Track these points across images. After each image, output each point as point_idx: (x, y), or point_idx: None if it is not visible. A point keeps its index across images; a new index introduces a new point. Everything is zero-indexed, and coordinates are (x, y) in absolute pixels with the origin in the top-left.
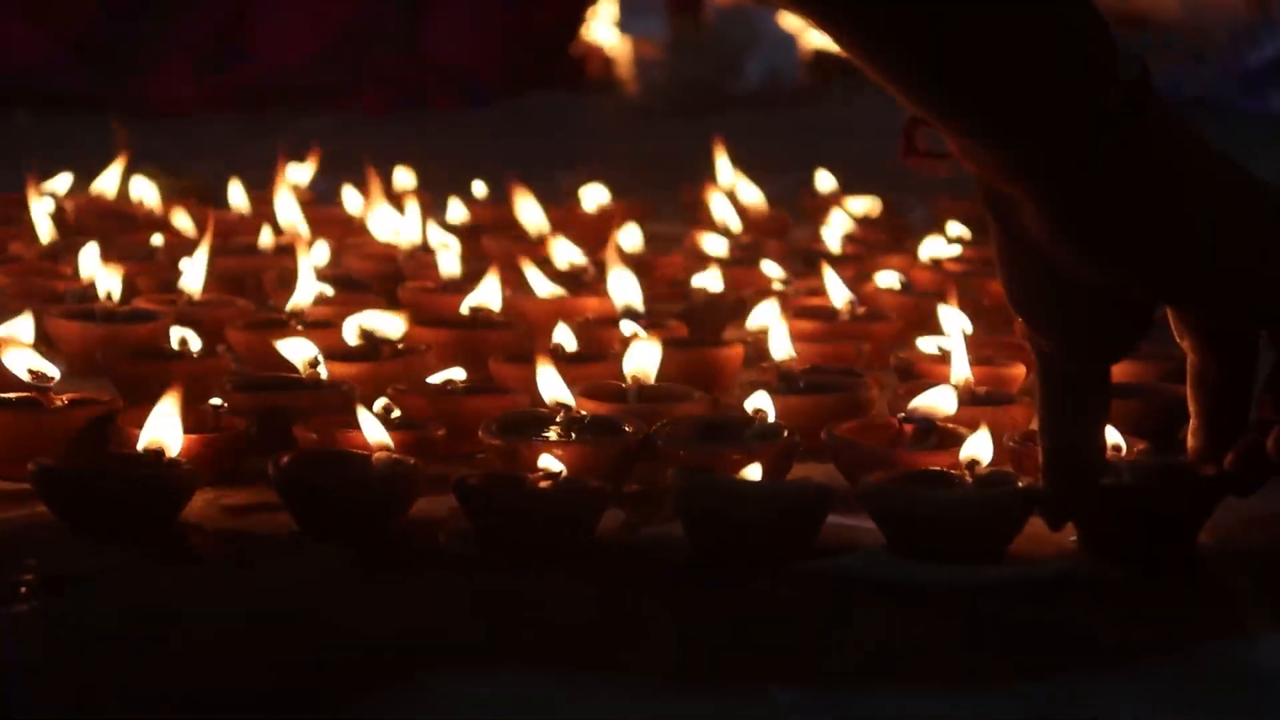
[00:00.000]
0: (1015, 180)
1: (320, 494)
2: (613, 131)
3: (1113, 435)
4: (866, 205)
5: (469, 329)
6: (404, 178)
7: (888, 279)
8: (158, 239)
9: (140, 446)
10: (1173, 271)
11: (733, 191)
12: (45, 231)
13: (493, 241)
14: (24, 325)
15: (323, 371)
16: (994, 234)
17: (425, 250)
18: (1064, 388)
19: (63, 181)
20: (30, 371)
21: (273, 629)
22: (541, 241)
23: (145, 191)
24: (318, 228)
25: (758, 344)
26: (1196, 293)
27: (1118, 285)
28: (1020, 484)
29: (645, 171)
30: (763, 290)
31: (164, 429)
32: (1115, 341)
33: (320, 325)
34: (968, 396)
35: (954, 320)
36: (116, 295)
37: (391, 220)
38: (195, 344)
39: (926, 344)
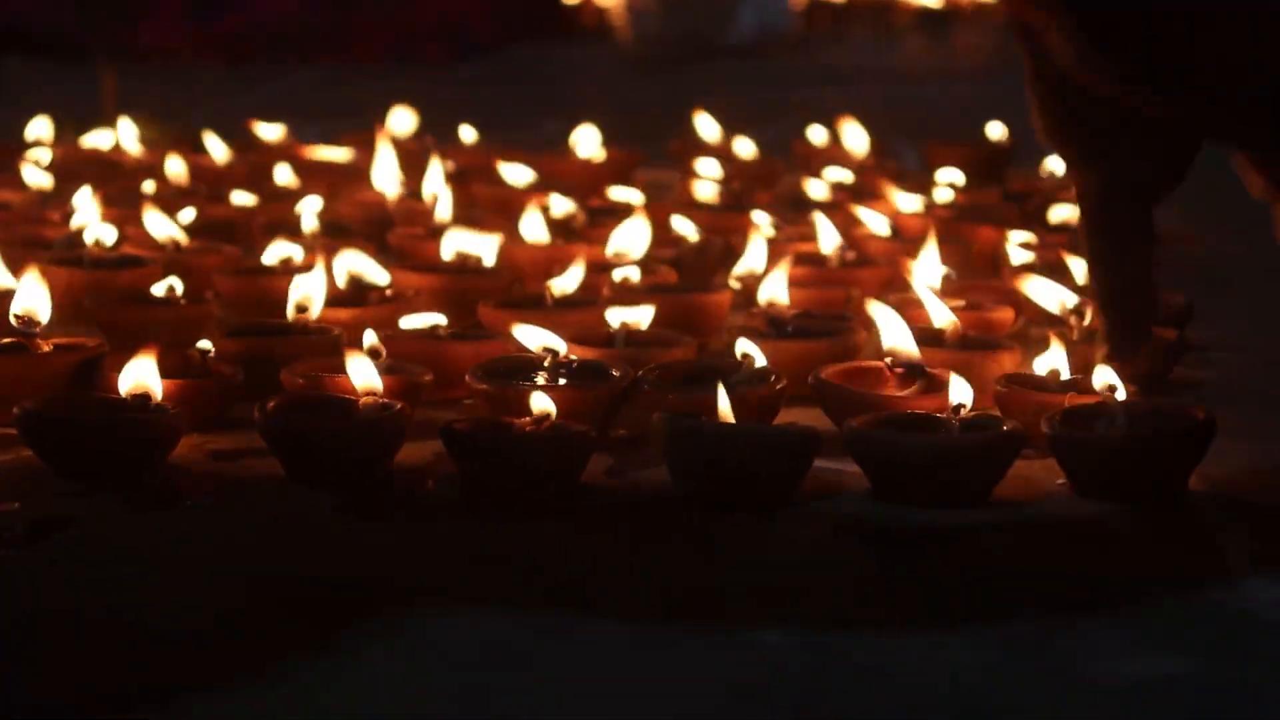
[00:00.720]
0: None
1: (306, 440)
2: (605, 81)
3: (1108, 376)
4: (859, 150)
5: (457, 274)
6: (402, 121)
7: (874, 220)
8: (149, 185)
9: (125, 391)
10: (1189, 73)
11: (721, 144)
12: (34, 178)
13: (483, 188)
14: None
15: (313, 314)
16: (1026, 69)
17: (415, 196)
18: (1107, 231)
19: (46, 129)
20: (17, 316)
21: (252, 571)
22: (531, 190)
23: (133, 138)
24: (309, 176)
25: (747, 289)
26: (1216, 105)
27: (1145, 100)
28: (1006, 427)
29: (636, 121)
30: (752, 233)
31: (147, 374)
32: (1152, 176)
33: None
34: (956, 341)
35: (929, 268)
36: (107, 242)
37: (390, 171)
38: (181, 291)
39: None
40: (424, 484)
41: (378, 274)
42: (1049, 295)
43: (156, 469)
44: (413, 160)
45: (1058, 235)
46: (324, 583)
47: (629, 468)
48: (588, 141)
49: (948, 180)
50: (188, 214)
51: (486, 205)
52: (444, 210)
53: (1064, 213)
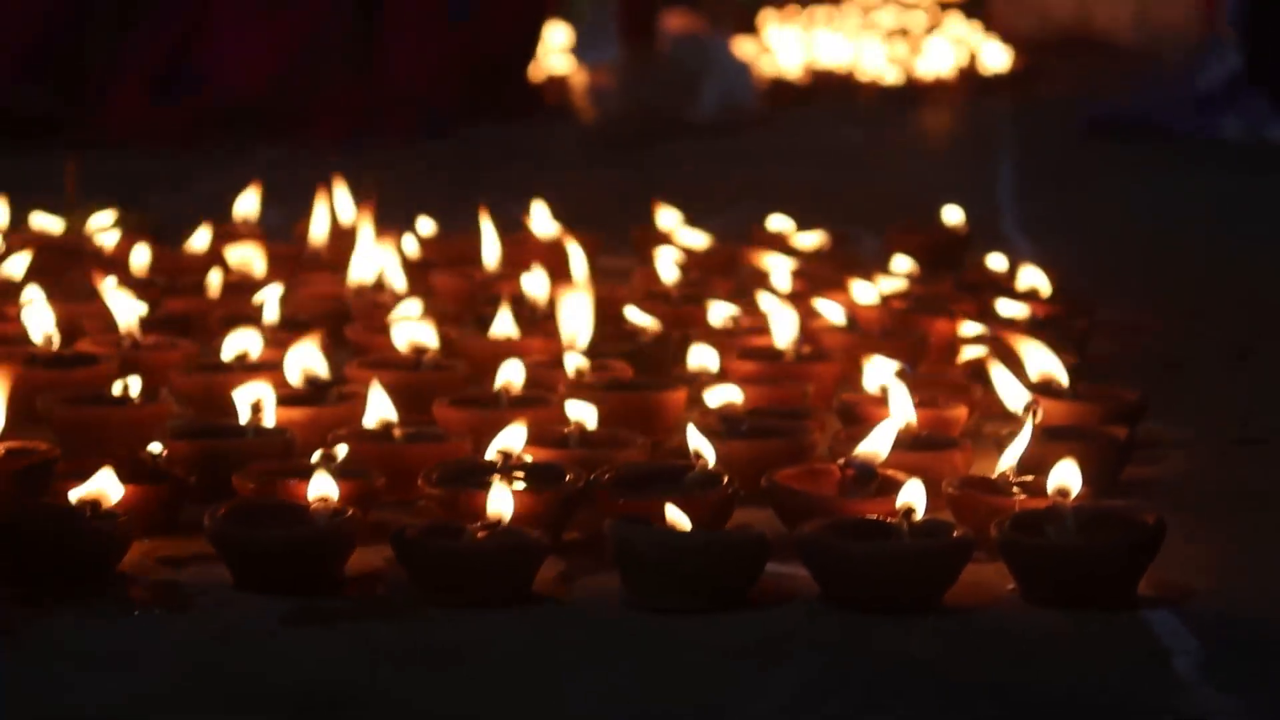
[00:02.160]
0: None
1: (254, 547)
2: (568, 160)
3: (1065, 476)
4: (816, 239)
5: (413, 370)
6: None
7: (831, 311)
8: (109, 279)
9: (76, 498)
10: None
11: (675, 236)
12: None
13: (442, 277)
14: None
15: (267, 417)
16: None
17: (374, 289)
18: None
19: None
20: None
21: (199, 681)
22: (494, 279)
23: (94, 228)
24: (270, 263)
25: (702, 385)
26: None
27: None
28: (956, 533)
29: (599, 202)
30: (708, 330)
31: (104, 482)
32: None
33: (266, 368)
34: (909, 440)
35: (887, 368)
36: (57, 339)
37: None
38: (136, 390)
39: (871, 381)
40: (375, 589)
41: (331, 371)
42: (1007, 391)
43: (106, 576)
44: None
45: (1011, 328)
46: (268, 692)
47: (581, 573)
48: (548, 225)
49: (903, 269)
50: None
51: (446, 296)
52: (405, 306)
53: (1014, 308)
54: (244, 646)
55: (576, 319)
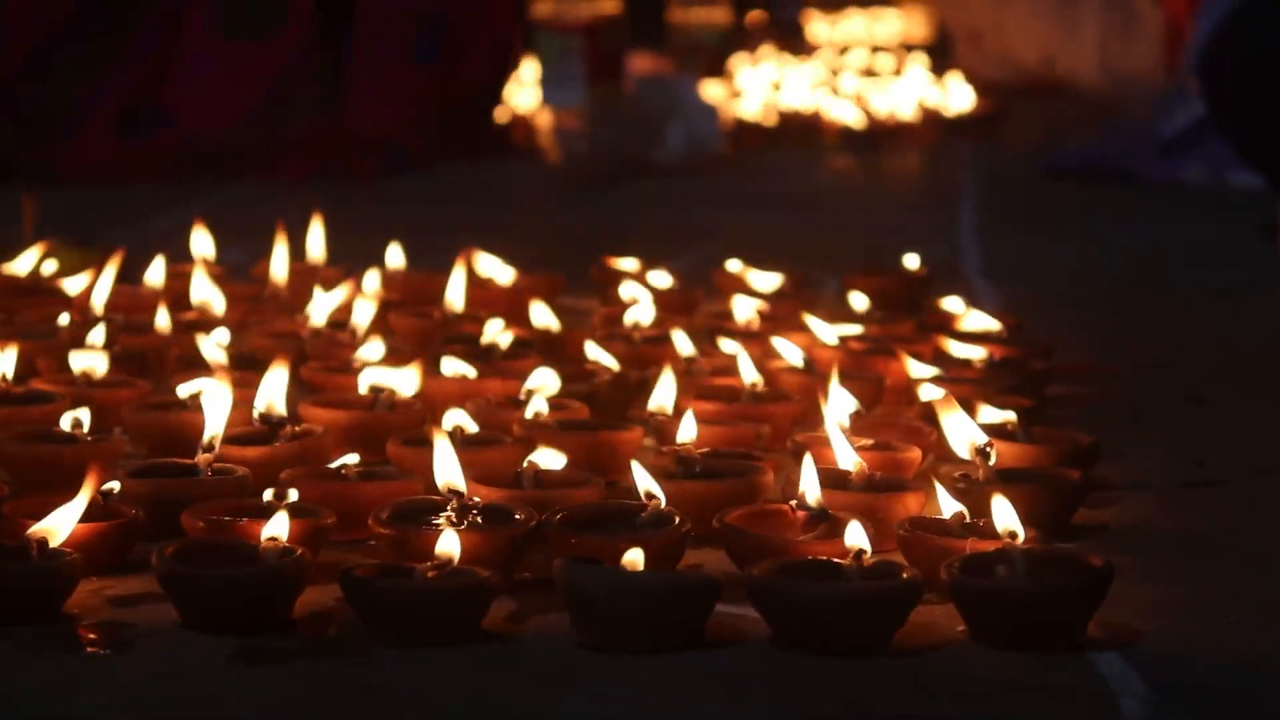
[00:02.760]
0: None
1: (202, 586)
2: (533, 201)
3: (1009, 519)
4: (775, 281)
5: (368, 410)
6: (315, 249)
7: (789, 351)
8: (63, 318)
9: (27, 534)
10: None
11: (640, 272)
12: None
13: (401, 318)
14: None
15: (214, 454)
16: None
17: (330, 327)
18: None
19: None
20: None
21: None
22: (452, 319)
23: (50, 265)
24: (228, 302)
25: (658, 425)
26: None
27: None
28: (906, 575)
29: (563, 242)
30: (665, 367)
31: (56, 519)
32: None
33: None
34: (862, 482)
35: (839, 406)
36: (10, 375)
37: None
38: (88, 426)
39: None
40: (325, 629)
41: (286, 409)
42: (959, 435)
43: (54, 614)
44: (328, 286)
45: (967, 371)
46: None
47: (532, 612)
48: (489, 264)
49: (862, 311)
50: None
51: (404, 335)
52: (365, 349)
53: (971, 351)
54: (193, 686)
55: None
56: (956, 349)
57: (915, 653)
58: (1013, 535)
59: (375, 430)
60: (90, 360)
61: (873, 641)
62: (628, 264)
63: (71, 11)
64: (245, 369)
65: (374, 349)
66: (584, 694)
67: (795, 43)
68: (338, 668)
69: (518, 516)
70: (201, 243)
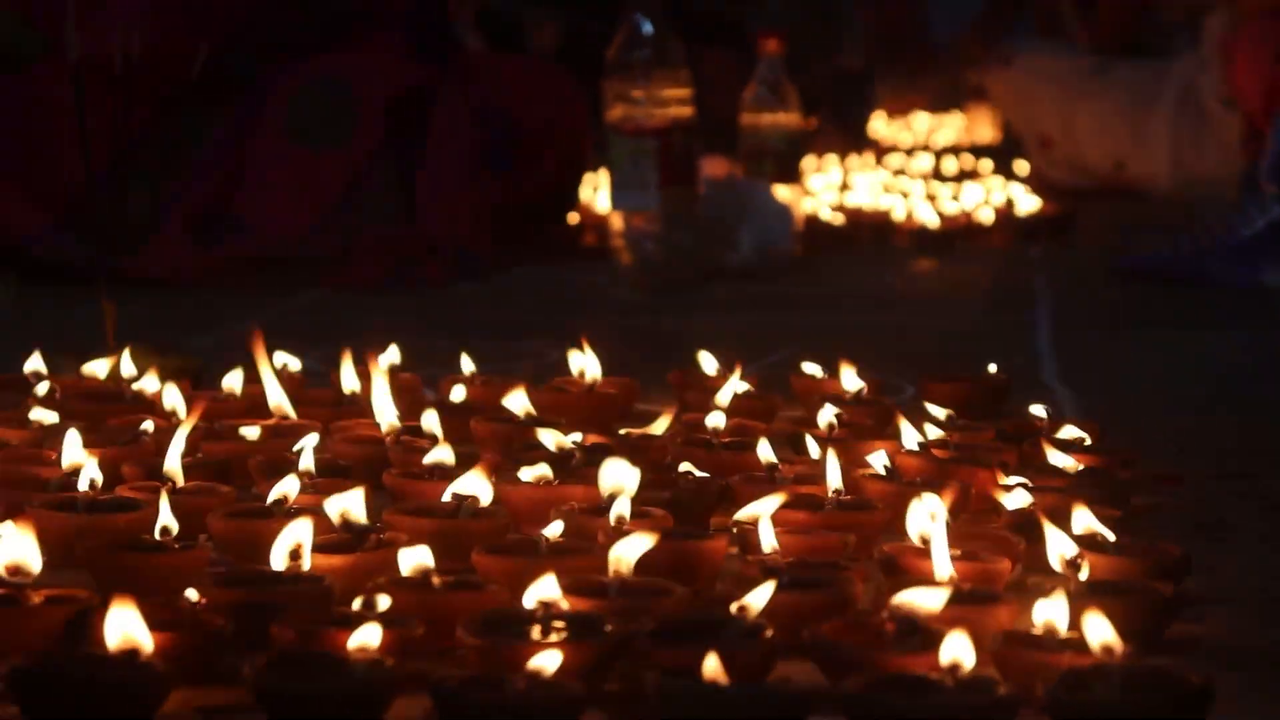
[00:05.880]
0: None
1: (296, 699)
2: (606, 304)
3: (1105, 634)
4: (855, 386)
5: (451, 518)
6: (392, 355)
7: (876, 460)
8: (147, 425)
9: (113, 647)
10: None
11: (719, 379)
12: (36, 415)
13: (481, 424)
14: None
15: (305, 563)
16: None
17: (411, 434)
18: None
19: (44, 362)
20: (7, 567)
21: None
22: (530, 425)
23: (134, 372)
24: (307, 409)
25: (743, 535)
26: None
27: None
28: (1002, 690)
29: (637, 346)
30: (749, 477)
31: (132, 627)
32: None
33: (302, 513)
34: (952, 594)
35: (928, 516)
36: (99, 483)
37: (387, 406)
38: (176, 534)
39: (913, 530)
40: None
41: (369, 518)
42: (1049, 546)
43: None
44: (407, 394)
45: (1054, 479)
46: None
47: None
48: (588, 371)
49: (943, 418)
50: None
51: (484, 441)
52: (441, 453)
53: (1063, 459)
54: None
55: (618, 470)
56: (1054, 457)
57: None
58: (1109, 650)
59: (459, 538)
60: (173, 467)
61: None
62: (705, 368)
63: (147, 120)
64: (329, 476)
65: (449, 455)
66: None
67: (862, 144)
68: None
69: (607, 627)
70: (279, 351)
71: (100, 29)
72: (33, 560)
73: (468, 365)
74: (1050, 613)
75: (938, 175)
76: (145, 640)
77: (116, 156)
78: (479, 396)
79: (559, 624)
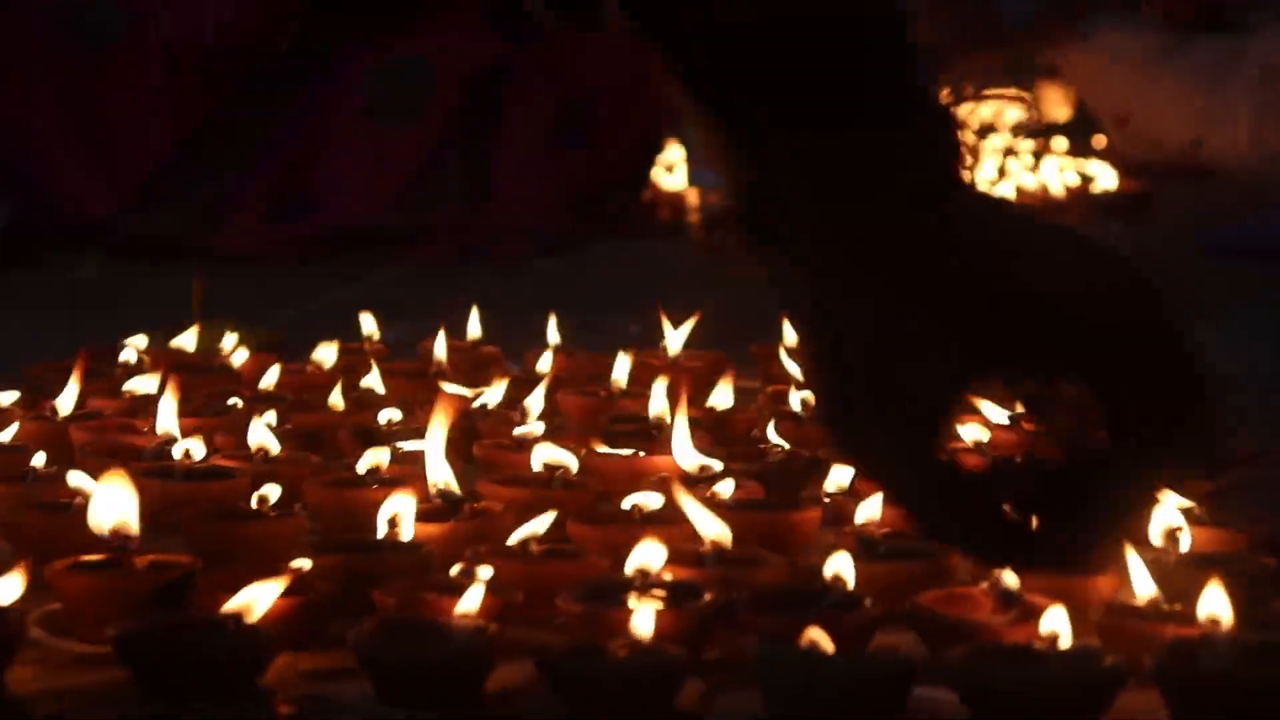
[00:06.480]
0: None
1: (400, 664)
2: (684, 279)
3: (1212, 604)
4: None
5: (544, 488)
6: (475, 328)
7: (968, 433)
8: (235, 398)
9: (219, 611)
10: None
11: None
12: (130, 385)
13: (567, 396)
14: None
15: (404, 532)
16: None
17: (501, 405)
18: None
19: (138, 334)
20: (112, 533)
21: None
22: (617, 397)
23: (223, 345)
24: (390, 381)
25: (835, 505)
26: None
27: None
28: (1108, 660)
29: (714, 322)
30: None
31: (250, 595)
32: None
33: (395, 483)
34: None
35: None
36: (196, 453)
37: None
38: (274, 502)
39: None
40: (517, 706)
41: (463, 488)
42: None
43: (250, 689)
44: (492, 367)
45: None
46: None
47: (721, 692)
48: (671, 345)
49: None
50: (273, 420)
51: (571, 414)
52: (531, 422)
53: None
54: None
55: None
56: None
57: None
58: (1216, 622)
59: (551, 508)
60: (265, 437)
61: None
62: (789, 340)
63: (227, 98)
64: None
65: (539, 426)
66: None
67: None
68: None
69: (706, 595)
70: (367, 323)
71: (188, 6)
72: (134, 522)
73: (554, 336)
74: (1152, 585)
75: (1010, 153)
76: (251, 605)
77: (196, 134)
78: (563, 369)
79: (658, 592)
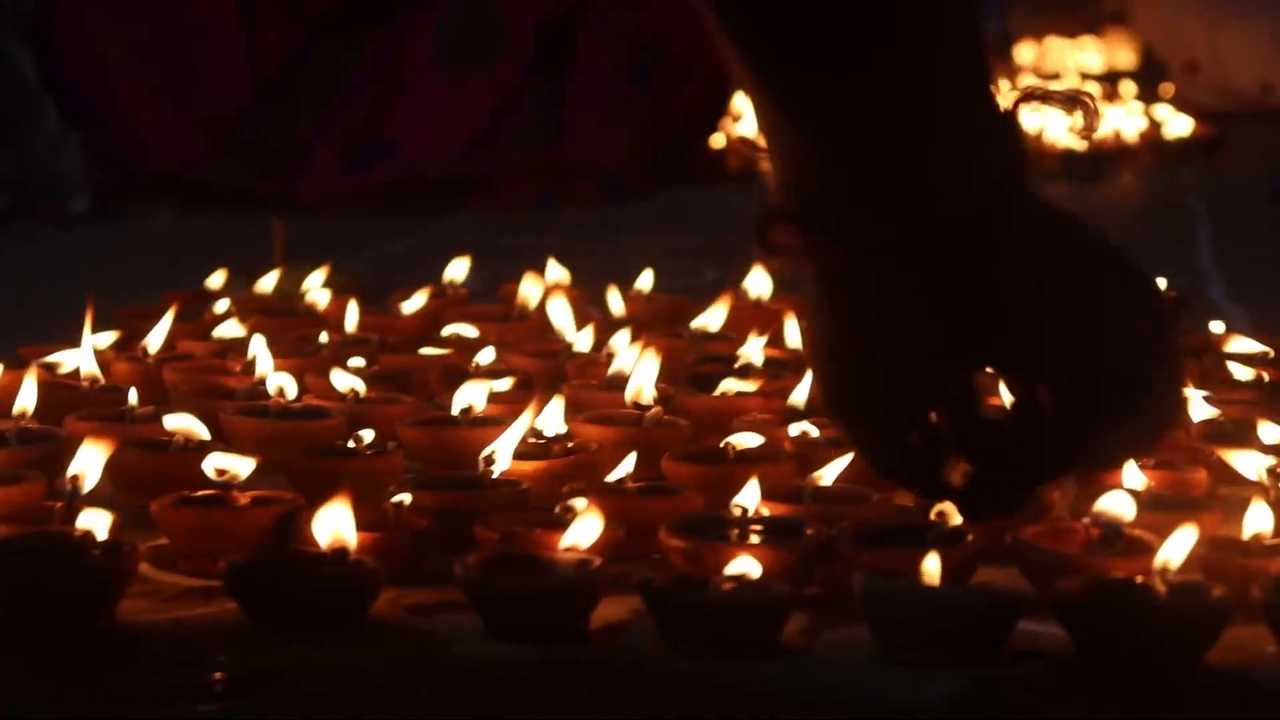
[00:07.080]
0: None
1: (507, 596)
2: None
3: None
4: None
5: (635, 426)
6: (556, 272)
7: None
8: (324, 336)
9: (324, 545)
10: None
11: None
12: (220, 330)
13: (653, 338)
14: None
15: (496, 469)
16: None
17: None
18: None
19: (223, 278)
20: (218, 470)
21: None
22: (701, 339)
23: (307, 287)
24: (478, 324)
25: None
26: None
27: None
28: (1215, 593)
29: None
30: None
31: (342, 525)
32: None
33: (488, 422)
34: (1151, 501)
35: None
36: (290, 393)
37: (563, 315)
38: (370, 441)
39: None
40: (621, 640)
41: (558, 426)
42: (1244, 460)
43: (356, 622)
44: (578, 310)
45: (1240, 392)
46: None
47: (825, 627)
48: (755, 287)
49: None
50: (360, 363)
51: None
52: (620, 361)
53: (1244, 372)
54: (492, 690)
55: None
56: (1236, 371)
57: (1225, 672)
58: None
59: (646, 446)
60: (352, 380)
61: (1185, 660)
62: None
63: (299, 43)
64: (512, 386)
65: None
66: (885, 703)
67: (1000, 66)
68: (639, 679)
69: (808, 531)
70: (455, 268)
71: None
72: (240, 464)
73: (646, 280)
74: (1257, 519)
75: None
76: (352, 538)
77: (272, 78)
78: (644, 312)
79: (758, 527)
